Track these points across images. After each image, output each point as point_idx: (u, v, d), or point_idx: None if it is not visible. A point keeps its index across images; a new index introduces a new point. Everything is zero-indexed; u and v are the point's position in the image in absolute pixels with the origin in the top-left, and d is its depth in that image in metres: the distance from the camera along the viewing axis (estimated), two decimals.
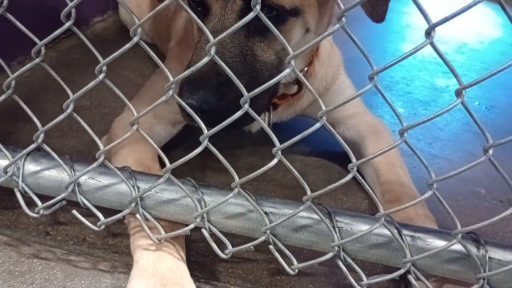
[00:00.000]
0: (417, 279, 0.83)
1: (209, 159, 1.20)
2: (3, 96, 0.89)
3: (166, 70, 0.75)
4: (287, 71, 0.69)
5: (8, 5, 0.82)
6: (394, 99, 1.95)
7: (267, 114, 1.26)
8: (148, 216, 0.89)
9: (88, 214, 0.92)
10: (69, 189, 0.90)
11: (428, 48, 0.65)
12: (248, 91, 0.73)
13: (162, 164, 0.87)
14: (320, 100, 0.70)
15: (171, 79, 0.74)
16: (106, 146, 0.86)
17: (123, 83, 1.77)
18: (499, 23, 3.13)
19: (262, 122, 0.76)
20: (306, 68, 1.26)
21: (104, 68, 0.77)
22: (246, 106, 0.72)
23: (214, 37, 0.70)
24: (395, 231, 0.82)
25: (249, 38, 0.96)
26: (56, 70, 0.83)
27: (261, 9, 0.67)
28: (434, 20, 0.62)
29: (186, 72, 0.75)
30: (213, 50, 0.70)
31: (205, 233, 0.88)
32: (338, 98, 1.38)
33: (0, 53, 0.98)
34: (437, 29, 0.63)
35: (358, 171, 0.74)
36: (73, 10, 0.74)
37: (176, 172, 0.85)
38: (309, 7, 1.00)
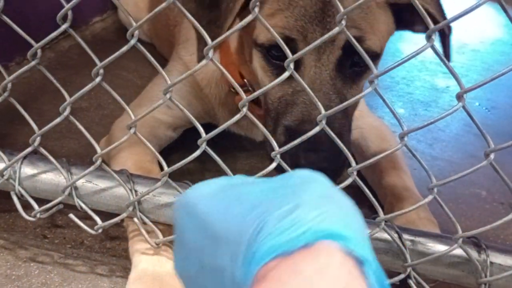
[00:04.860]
0: (418, 283, 0.83)
1: (208, 161, 1.18)
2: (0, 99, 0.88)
3: (164, 73, 0.75)
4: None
5: (5, 5, 0.80)
6: (394, 99, 1.94)
7: None
8: (146, 220, 0.88)
9: (85, 217, 0.91)
10: (66, 193, 0.89)
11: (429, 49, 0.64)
12: None
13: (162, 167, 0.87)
14: (316, 99, 0.69)
15: (169, 82, 0.73)
16: (105, 149, 0.85)
17: (122, 84, 1.76)
18: (500, 23, 3.11)
19: (261, 125, 0.75)
20: None
21: (101, 71, 0.76)
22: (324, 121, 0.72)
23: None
24: (395, 235, 0.82)
25: (344, 87, 0.92)
26: (55, 71, 0.83)
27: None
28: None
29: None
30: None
31: None
32: None
33: None
34: None
35: (360, 173, 0.73)
36: (69, 12, 0.73)
37: (175, 175, 0.84)
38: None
